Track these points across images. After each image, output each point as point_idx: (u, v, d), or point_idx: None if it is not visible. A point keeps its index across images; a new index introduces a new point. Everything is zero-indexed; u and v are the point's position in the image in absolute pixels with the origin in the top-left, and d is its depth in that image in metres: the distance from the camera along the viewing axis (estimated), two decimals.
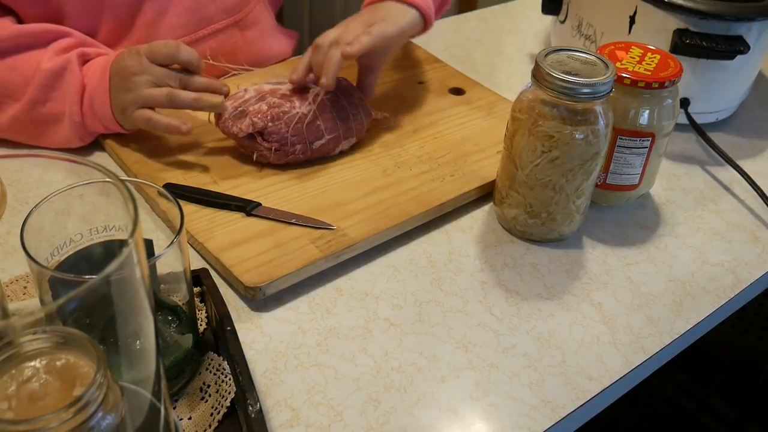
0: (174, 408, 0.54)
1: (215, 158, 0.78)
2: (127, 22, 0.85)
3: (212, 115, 0.77)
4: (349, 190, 0.75)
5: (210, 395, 0.55)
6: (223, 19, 0.90)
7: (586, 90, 0.64)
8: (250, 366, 0.57)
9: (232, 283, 0.65)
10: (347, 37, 0.76)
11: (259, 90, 0.77)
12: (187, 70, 0.75)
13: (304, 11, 1.21)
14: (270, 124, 0.74)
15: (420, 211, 0.72)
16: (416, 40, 1.04)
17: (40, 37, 0.77)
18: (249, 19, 0.93)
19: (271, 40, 0.98)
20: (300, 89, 0.78)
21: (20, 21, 0.80)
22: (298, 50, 1.06)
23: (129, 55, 0.74)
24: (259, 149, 0.75)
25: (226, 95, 0.76)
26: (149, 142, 0.79)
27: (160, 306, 0.55)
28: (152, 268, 0.49)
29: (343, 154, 0.80)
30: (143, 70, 0.73)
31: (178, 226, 0.49)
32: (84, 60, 0.77)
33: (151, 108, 0.74)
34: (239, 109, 0.75)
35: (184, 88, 0.74)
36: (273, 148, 0.74)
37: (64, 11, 0.80)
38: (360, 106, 0.80)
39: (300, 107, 0.76)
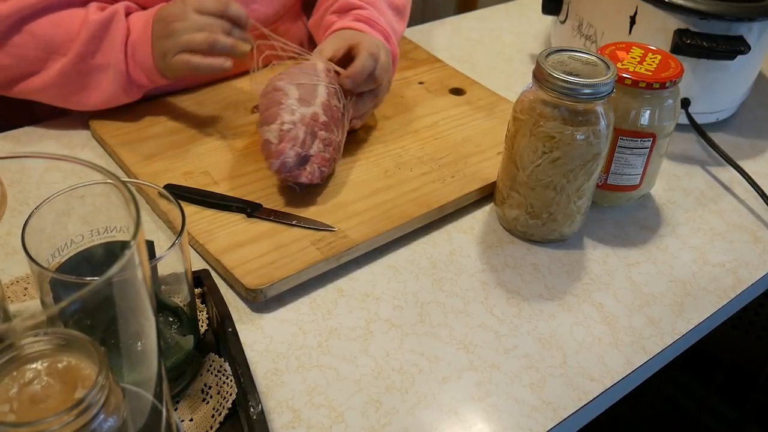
0: (175, 409, 0.54)
1: (216, 159, 0.78)
2: None
3: (273, 153, 0.70)
4: (350, 191, 0.75)
5: (211, 396, 0.54)
6: (254, 29, 0.88)
7: (587, 90, 0.64)
8: (252, 367, 0.57)
9: (233, 285, 0.65)
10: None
11: (303, 119, 0.71)
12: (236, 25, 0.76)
13: None
14: (327, 167, 0.72)
15: (421, 213, 0.72)
16: (416, 40, 1.04)
17: None
18: (281, 29, 0.92)
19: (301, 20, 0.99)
20: (328, 107, 0.73)
21: None
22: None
23: (173, 4, 0.75)
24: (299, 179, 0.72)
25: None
26: (151, 142, 0.79)
27: (162, 307, 0.55)
28: (153, 270, 0.49)
29: (343, 155, 0.79)
30: (186, 17, 0.74)
31: (180, 228, 0.49)
32: (129, 12, 0.78)
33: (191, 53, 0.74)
34: (301, 154, 0.70)
35: (227, 32, 0.74)
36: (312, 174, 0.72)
37: None
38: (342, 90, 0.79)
39: (338, 134, 0.75)
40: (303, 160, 0.70)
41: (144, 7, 0.81)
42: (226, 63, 0.74)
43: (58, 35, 0.76)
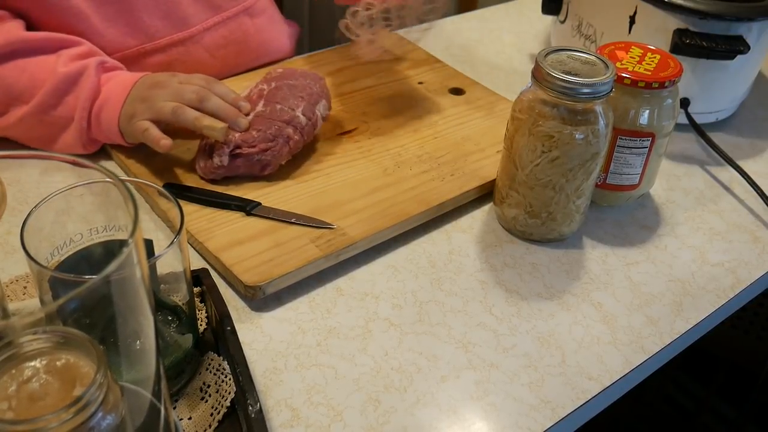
0: (174, 408, 0.54)
1: None
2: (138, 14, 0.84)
3: (198, 170, 0.75)
4: (349, 189, 0.75)
5: (210, 395, 0.55)
6: (233, 6, 0.91)
7: (586, 90, 0.64)
8: (250, 366, 0.57)
9: (232, 283, 0.65)
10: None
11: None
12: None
13: (303, 4, 1.21)
14: (237, 135, 0.73)
15: (420, 211, 0.72)
16: (416, 40, 1.04)
17: (51, 43, 0.76)
18: (258, 6, 0.94)
19: (278, 27, 0.99)
20: (248, 98, 0.79)
21: (30, 28, 0.79)
22: (300, 42, 1.06)
23: (162, 73, 0.76)
24: (255, 158, 0.73)
25: (248, 113, 0.75)
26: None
27: (160, 306, 0.55)
28: (152, 268, 0.49)
29: (342, 153, 0.80)
30: (168, 86, 0.74)
31: (178, 226, 0.49)
32: (104, 69, 0.77)
33: (158, 124, 0.73)
34: (206, 149, 0.74)
35: (202, 101, 0.73)
36: (260, 148, 0.73)
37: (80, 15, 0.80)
38: (305, 75, 0.81)
39: (253, 110, 0.76)
40: (206, 149, 0.74)
41: (122, 61, 0.80)
42: (162, 141, 0.71)
43: (22, 82, 0.74)
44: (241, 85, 0.89)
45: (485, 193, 0.78)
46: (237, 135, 0.73)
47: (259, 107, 0.77)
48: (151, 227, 0.69)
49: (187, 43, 0.88)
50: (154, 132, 0.72)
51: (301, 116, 0.76)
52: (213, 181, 0.74)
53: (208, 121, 0.72)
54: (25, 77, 0.75)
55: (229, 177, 0.74)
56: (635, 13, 0.88)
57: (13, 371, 0.35)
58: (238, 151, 0.73)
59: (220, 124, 0.72)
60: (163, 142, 0.72)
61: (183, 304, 0.55)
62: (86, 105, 0.74)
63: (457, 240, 0.73)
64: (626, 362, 0.62)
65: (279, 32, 0.99)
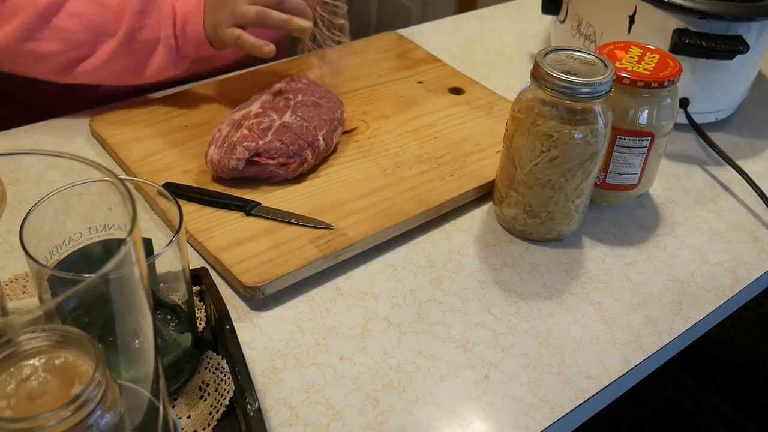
0: (173, 407, 0.54)
1: None
2: None
3: (208, 162, 0.75)
4: (349, 189, 0.75)
5: (209, 394, 0.55)
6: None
7: (585, 90, 0.64)
8: (249, 365, 0.57)
9: (232, 283, 0.65)
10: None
11: (231, 122, 0.77)
12: None
13: None
14: (261, 141, 0.73)
15: (419, 211, 0.72)
16: (416, 40, 1.04)
17: None
18: None
19: None
20: (270, 104, 0.79)
21: None
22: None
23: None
24: (268, 169, 0.74)
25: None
26: (150, 141, 0.79)
27: (159, 305, 0.55)
28: (151, 267, 0.49)
29: (342, 153, 0.80)
30: None
31: (178, 226, 0.49)
32: None
33: (243, 28, 0.75)
34: (224, 145, 0.73)
35: (281, 2, 0.75)
36: (278, 162, 0.73)
37: None
38: (330, 97, 0.82)
39: (280, 118, 0.76)
40: (229, 148, 0.73)
41: None
42: (266, 47, 0.75)
43: (104, 16, 0.76)
44: (240, 84, 0.90)
45: (484, 193, 0.78)
46: (261, 142, 0.73)
47: (287, 117, 0.76)
48: (151, 226, 0.69)
49: None
50: (251, 39, 0.74)
51: (322, 141, 0.76)
52: (216, 179, 0.74)
53: (296, 20, 0.74)
54: (107, 11, 0.76)
55: (234, 177, 0.75)
56: (635, 12, 0.88)
57: (12, 369, 0.35)
58: (256, 159, 0.73)
59: (306, 23, 0.75)
60: (266, 49, 0.74)
61: (182, 303, 0.55)
62: (168, 22, 0.76)
63: (456, 239, 0.73)
64: (625, 362, 0.62)
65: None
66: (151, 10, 0.76)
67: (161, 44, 0.77)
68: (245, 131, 0.74)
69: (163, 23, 0.76)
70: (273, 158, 0.73)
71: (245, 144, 0.72)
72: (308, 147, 0.75)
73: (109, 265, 0.32)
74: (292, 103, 0.78)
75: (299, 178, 0.76)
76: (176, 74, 0.82)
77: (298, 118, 0.76)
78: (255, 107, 0.78)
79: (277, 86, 0.82)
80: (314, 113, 0.78)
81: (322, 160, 0.79)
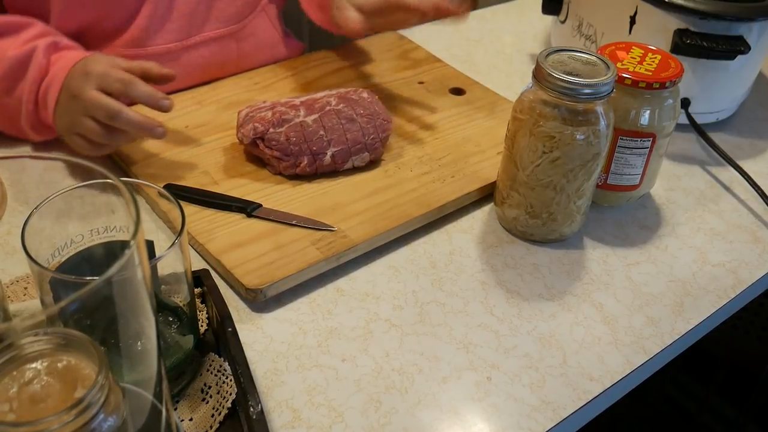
0: (175, 409, 0.54)
1: (216, 159, 0.78)
2: (120, 24, 0.82)
3: (240, 129, 0.76)
4: (350, 191, 0.75)
5: (211, 396, 0.55)
6: (219, 28, 0.88)
7: (587, 90, 0.64)
8: (251, 367, 0.57)
9: (233, 285, 0.65)
10: None
11: (277, 101, 0.78)
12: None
13: (303, 23, 1.21)
14: (271, 129, 0.74)
15: (421, 213, 0.72)
16: (416, 40, 1.04)
17: (6, 27, 0.74)
18: (246, 31, 0.91)
19: (270, 52, 0.95)
20: (313, 101, 0.78)
21: None
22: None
23: (77, 76, 0.70)
24: (264, 156, 0.75)
25: (167, 110, 0.71)
26: (150, 143, 0.79)
27: (161, 307, 0.55)
28: (153, 270, 0.49)
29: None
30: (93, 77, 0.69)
31: (179, 228, 0.49)
32: (55, 48, 0.73)
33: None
34: (249, 115, 0.76)
35: (124, 93, 0.69)
36: (274, 155, 0.74)
37: (51, 7, 0.78)
38: (375, 119, 0.78)
39: (304, 116, 0.76)
40: (246, 119, 0.75)
41: (76, 38, 0.77)
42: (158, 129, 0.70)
43: None
44: (240, 84, 0.89)
45: (486, 194, 0.78)
46: (271, 129, 0.74)
47: (310, 118, 0.76)
48: (152, 228, 0.69)
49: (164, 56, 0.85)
50: (87, 145, 0.70)
51: (328, 158, 0.75)
52: (216, 181, 0.74)
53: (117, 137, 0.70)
54: None
55: (232, 176, 0.75)
56: (636, 13, 0.88)
57: (15, 373, 0.35)
58: (258, 141, 0.75)
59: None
60: (159, 130, 0.70)
61: (184, 305, 0.55)
62: (33, 87, 0.72)
63: (457, 240, 0.73)
64: (627, 363, 0.62)
65: (270, 56, 0.95)
66: (23, 74, 0.71)
67: (23, 108, 0.72)
68: (268, 114, 0.75)
69: (27, 87, 0.71)
70: (270, 148, 0.74)
71: (255, 125, 0.74)
72: (309, 154, 0.74)
73: (113, 269, 0.32)
74: (327, 108, 0.77)
75: (300, 179, 0.76)
76: (40, 140, 0.76)
77: (320, 124, 0.75)
78: (301, 99, 0.78)
79: (342, 90, 0.81)
80: (340, 127, 0.76)
81: None
